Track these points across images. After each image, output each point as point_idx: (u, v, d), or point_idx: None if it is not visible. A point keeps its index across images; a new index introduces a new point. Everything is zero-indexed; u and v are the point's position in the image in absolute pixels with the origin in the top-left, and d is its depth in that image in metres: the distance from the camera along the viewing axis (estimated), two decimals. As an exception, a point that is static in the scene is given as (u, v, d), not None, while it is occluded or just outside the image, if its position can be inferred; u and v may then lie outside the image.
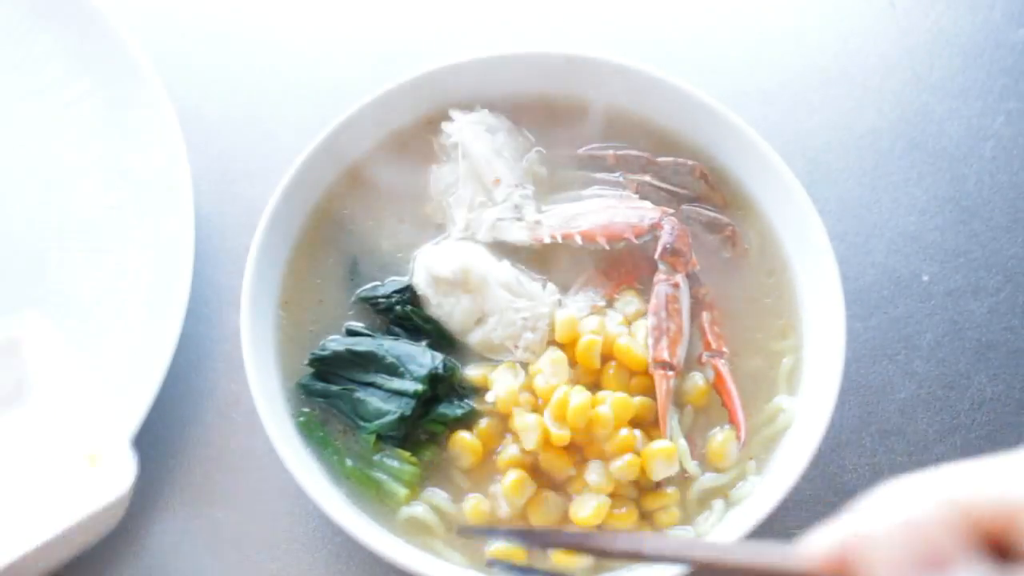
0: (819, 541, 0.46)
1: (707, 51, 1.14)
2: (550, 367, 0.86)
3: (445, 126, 0.97)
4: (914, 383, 0.97)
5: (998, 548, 0.43)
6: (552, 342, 0.89)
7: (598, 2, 1.18)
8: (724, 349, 0.90)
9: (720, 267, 0.93)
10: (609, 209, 0.92)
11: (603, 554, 0.71)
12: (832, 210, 1.04)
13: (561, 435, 0.82)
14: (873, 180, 1.07)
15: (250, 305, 0.86)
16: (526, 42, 1.12)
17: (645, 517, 0.84)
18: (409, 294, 0.91)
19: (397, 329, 0.90)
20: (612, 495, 0.83)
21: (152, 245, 0.97)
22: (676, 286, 0.89)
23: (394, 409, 0.85)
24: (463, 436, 0.85)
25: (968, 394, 0.96)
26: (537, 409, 0.85)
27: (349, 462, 0.85)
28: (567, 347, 0.88)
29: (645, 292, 0.91)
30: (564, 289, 0.92)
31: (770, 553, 0.50)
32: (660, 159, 0.96)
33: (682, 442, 0.85)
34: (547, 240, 0.92)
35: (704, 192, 0.95)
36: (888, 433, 0.95)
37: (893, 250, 1.03)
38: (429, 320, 0.90)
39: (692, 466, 0.85)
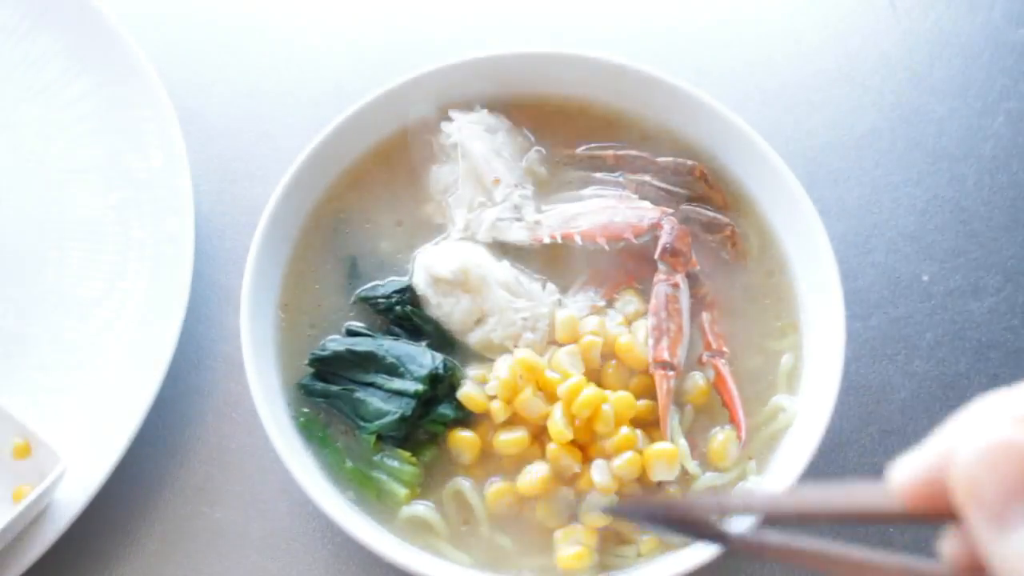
0: (905, 472, 0.43)
1: (707, 51, 1.14)
2: (567, 358, 0.86)
3: (445, 126, 0.97)
4: (914, 383, 0.97)
5: None
6: (552, 342, 0.89)
7: (598, 2, 1.18)
8: (724, 349, 0.90)
9: (720, 267, 0.93)
10: (608, 209, 0.92)
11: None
12: (832, 210, 1.04)
13: (564, 432, 0.82)
14: (873, 180, 1.07)
15: (250, 305, 0.86)
16: (526, 42, 1.12)
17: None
18: (409, 294, 0.91)
19: (397, 329, 0.90)
20: (617, 494, 0.83)
21: (152, 245, 0.97)
22: (676, 286, 0.89)
23: (394, 409, 0.85)
24: (462, 434, 0.85)
25: (968, 394, 0.96)
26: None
27: (349, 462, 0.85)
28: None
29: (645, 292, 0.91)
30: (564, 289, 0.92)
31: (854, 494, 0.47)
32: (660, 159, 0.96)
33: (683, 442, 0.85)
34: (547, 240, 0.92)
35: (704, 192, 0.95)
36: (888, 433, 0.95)
37: (893, 250, 1.03)
38: (429, 320, 0.90)
39: (693, 466, 0.85)
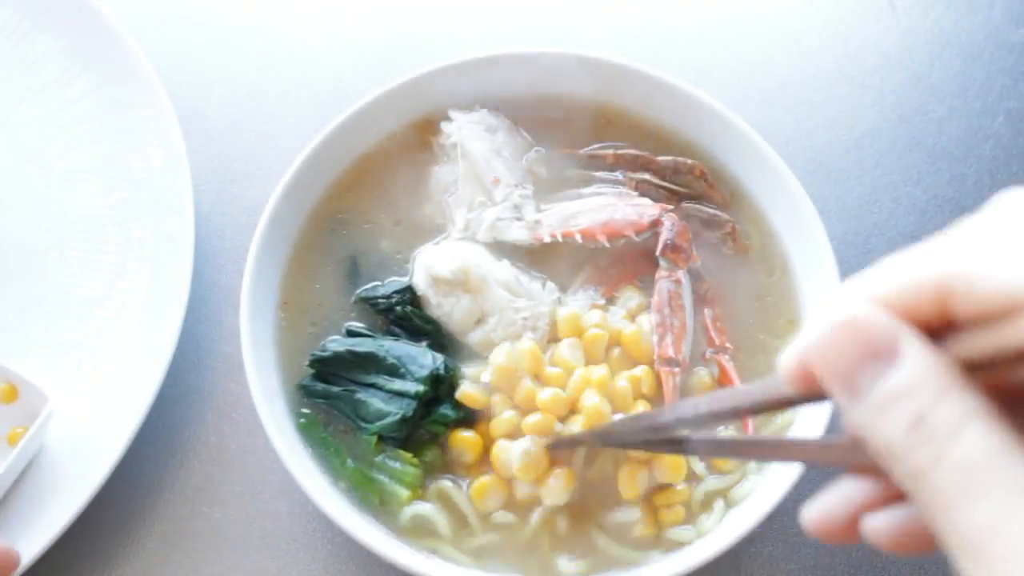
0: (787, 359, 0.49)
1: (707, 51, 1.14)
2: (569, 350, 0.86)
3: (444, 126, 0.97)
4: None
5: (944, 326, 0.46)
6: (553, 340, 0.89)
7: (598, 2, 1.18)
8: (728, 344, 0.90)
9: (721, 264, 0.93)
10: (609, 207, 0.92)
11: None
12: (832, 210, 1.04)
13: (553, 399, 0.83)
14: (873, 180, 1.07)
15: (250, 305, 0.86)
16: (526, 42, 1.12)
17: (651, 513, 0.84)
18: (409, 294, 0.91)
19: (397, 329, 0.90)
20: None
21: (152, 245, 0.97)
22: (678, 282, 0.89)
23: (395, 410, 0.85)
24: (464, 434, 0.85)
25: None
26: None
27: (350, 463, 0.85)
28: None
29: (646, 289, 0.91)
30: (564, 288, 0.92)
31: (752, 391, 0.55)
32: (660, 158, 0.96)
33: None
34: (547, 239, 0.92)
35: (704, 191, 0.96)
36: (888, 433, 0.95)
37: (893, 250, 1.03)
38: (429, 320, 0.90)
39: (699, 467, 0.85)
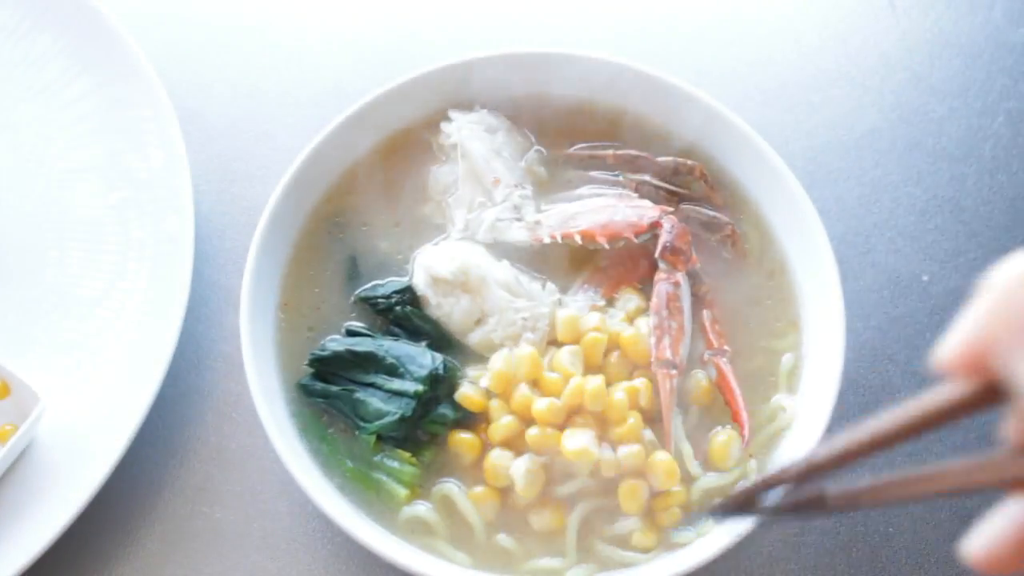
0: (947, 347, 0.43)
1: (707, 51, 1.14)
2: (568, 357, 0.86)
3: (444, 126, 0.97)
4: (914, 383, 0.97)
5: None
6: (552, 342, 0.89)
7: (598, 2, 1.18)
8: (726, 347, 0.90)
9: (720, 267, 0.93)
10: (608, 208, 0.92)
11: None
12: (832, 210, 1.04)
13: (549, 409, 0.83)
14: (873, 180, 1.07)
15: (250, 305, 0.86)
16: (526, 42, 1.12)
17: (648, 515, 0.84)
18: (409, 294, 0.91)
19: (397, 329, 0.90)
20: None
21: (152, 245, 0.97)
22: (677, 284, 0.89)
23: (394, 410, 0.85)
24: (462, 436, 0.85)
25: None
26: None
27: (349, 462, 0.85)
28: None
29: (645, 291, 0.91)
30: (564, 289, 0.92)
31: (899, 412, 0.48)
32: (660, 159, 0.96)
33: (686, 446, 0.85)
34: (546, 240, 0.92)
35: (703, 192, 0.95)
36: (888, 433, 0.95)
37: (893, 250, 1.03)
38: (429, 320, 0.90)
39: (695, 468, 0.85)
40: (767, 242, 0.94)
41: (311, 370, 0.88)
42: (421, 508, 0.84)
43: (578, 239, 0.91)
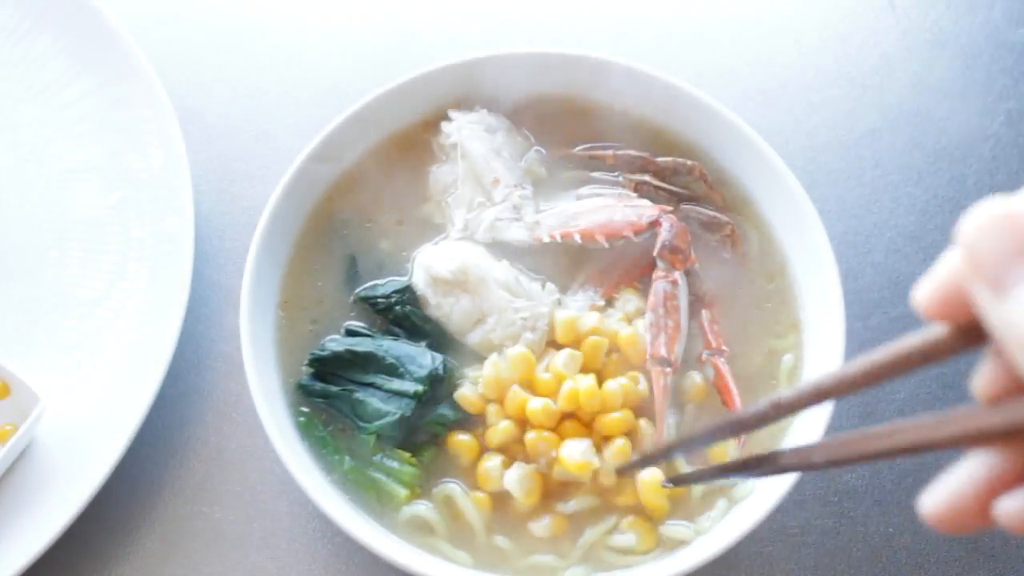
0: (923, 288, 0.44)
1: (707, 51, 1.14)
2: (570, 360, 0.86)
3: (444, 126, 0.97)
4: (914, 383, 0.97)
5: None
6: (552, 342, 0.89)
7: (598, 2, 1.18)
8: (724, 347, 0.90)
9: (720, 267, 0.93)
10: (608, 208, 0.92)
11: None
12: (832, 210, 1.04)
13: (544, 410, 0.83)
14: (873, 180, 1.07)
15: (250, 305, 0.86)
16: (526, 42, 1.12)
17: (639, 511, 0.84)
18: (408, 294, 0.91)
19: (397, 329, 0.90)
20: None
21: (152, 245, 0.97)
22: (674, 283, 0.89)
23: (394, 410, 0.85)
24: (460, 438, 0.85)
25: (968, 394, 0.96)
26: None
27: (349, 462, 0.85)
28: (568, 347, 0.87)
29: (645, 291, 0.91)
30: (563, 289, 0.92)
31: (889, 349, 0.48)
32: (660, 159, 0.96)
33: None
34: (546, 240, 0.92)
35: (703, 192, 0.96)
36: (888, 433, 0.95)
37: (893, 250, 1.03)
38: (428, 320, 0.90)
39: (687, 467, 0.85)
40: (767, 242, 0.94)
41: (311, 370, 0.88)
42: (421, 507, 0.84)
43: (578, 239, 0.91)
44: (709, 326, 0.90)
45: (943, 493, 0.46)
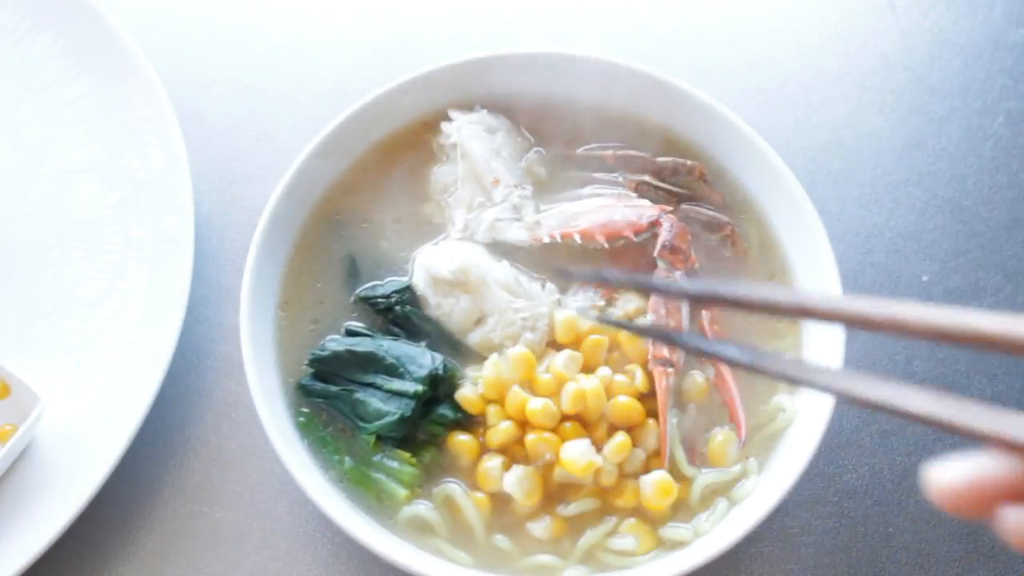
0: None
1: (707, 51, 1.14)
2: (571, 361, 0.86)
3: (444, 126, 0.97)
4: (914, 383, 0.97)
5: None
6: (552, 342, 0.89)
7: (598, 2, 1.18)
8: (724, 348, 0.90)
9: (720, 266, 0.93)
10: (608, 208, 0.92)
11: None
12: (832, 210, 1.04)
13: (544, 411, 0.83)
14: (873, 180, 1.07)
15: (250, 305, 0.86)
16: (526, 42, 1.12)
17: (639, 513, 0.84)
18: (409, 294, 0.91)
19: (397, 329, 0.90)
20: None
21: (152, 245, 0.97)
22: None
23: (394, 410, 0.85)
24: (460, 438, 0.85)
25: (968, 394, 0.96)
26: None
27: (349, 462, 0.85)
28: (568, 346, 0.88)
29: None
30: (563, 289, 0.92)
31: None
32: (660, 159, 0.96)
33: (679, 450, 0.85)
34: (546, 240, 0.92)
35: (703, 192, 0.95)
36: (888, 433, 0.95)
37: (893, 250, 1.03)
38: (428, 320, 0.90)
39: (690, 471, 0.85)
40: (767, 242, 0.94)
41: (311, 370, 0.88)
42: (421, 508, 0.84)
43: (578, 239, 0.91)
44: (709, 326, 0.90)
45: (956, 474, 0.46)
